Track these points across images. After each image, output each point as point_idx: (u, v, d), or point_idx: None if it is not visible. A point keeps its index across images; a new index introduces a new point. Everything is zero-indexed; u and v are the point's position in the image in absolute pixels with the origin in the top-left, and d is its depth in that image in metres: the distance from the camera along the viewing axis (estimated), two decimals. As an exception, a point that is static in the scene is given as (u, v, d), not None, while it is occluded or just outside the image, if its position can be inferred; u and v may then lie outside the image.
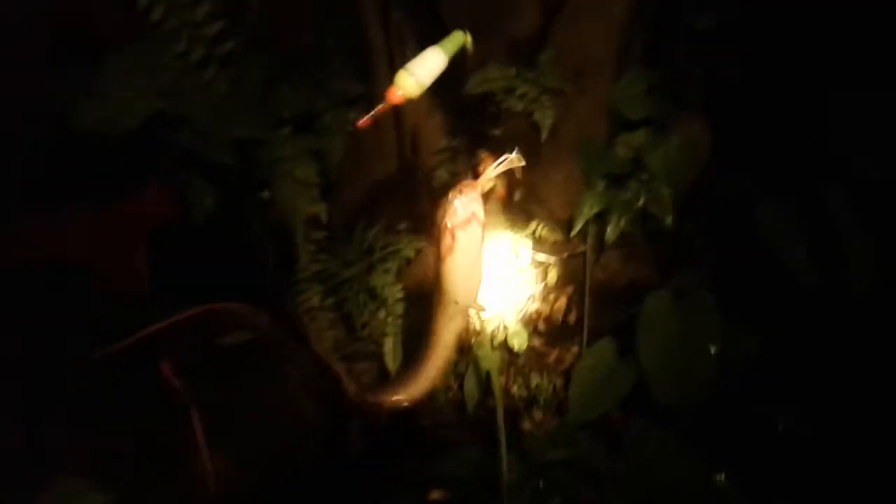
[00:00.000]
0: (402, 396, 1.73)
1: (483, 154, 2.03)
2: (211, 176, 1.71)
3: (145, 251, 1.86)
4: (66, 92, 1.71)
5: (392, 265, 2.04)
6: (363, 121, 1.41)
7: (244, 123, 1.61)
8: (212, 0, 1.75)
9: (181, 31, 1.73)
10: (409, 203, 2.07)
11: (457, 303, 1.56)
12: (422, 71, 1.35)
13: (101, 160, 1.79)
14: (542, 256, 2.10)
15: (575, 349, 2.21)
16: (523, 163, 1.51)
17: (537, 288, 2.15)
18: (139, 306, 1.80)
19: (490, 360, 2.00)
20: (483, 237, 1.52)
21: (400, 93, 1.36)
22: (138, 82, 1.71)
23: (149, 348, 1.62)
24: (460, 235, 1.46)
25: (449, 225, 1.46)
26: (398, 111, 1.83)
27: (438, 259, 1.52)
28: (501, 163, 1.50)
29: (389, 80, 1.78)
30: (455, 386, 2.19)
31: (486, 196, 2.06)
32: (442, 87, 1.97)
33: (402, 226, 2.09)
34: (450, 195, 1.47)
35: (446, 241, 1.47)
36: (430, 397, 2.17)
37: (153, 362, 1.60)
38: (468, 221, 1.47)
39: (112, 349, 1.61)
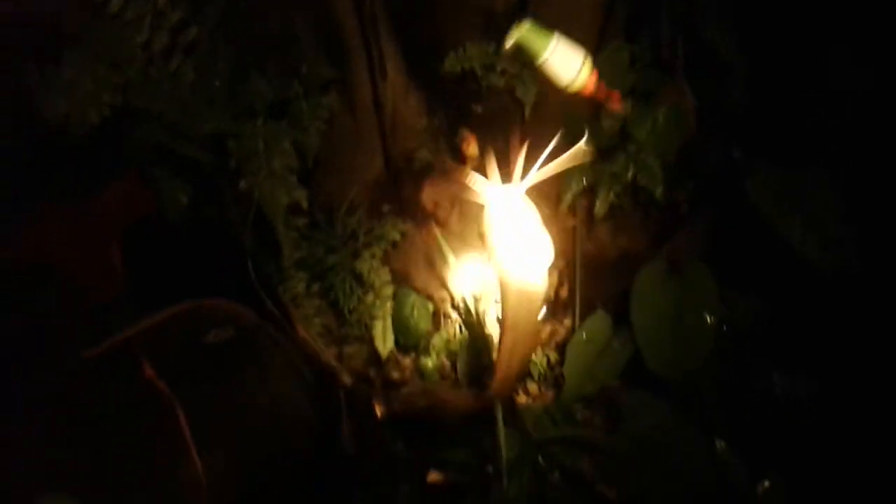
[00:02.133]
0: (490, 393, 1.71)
1: (465, 132, 1.97)
2: (184, 170, 1.64)
3: (120, 250, 1.80)
4: (32, 89, 1.64)
5: (377, 249, 2.00)
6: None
7: (212, 117, 1.54)
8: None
9: (143, 18, 1.66)
10: (391, 186, 2.02)
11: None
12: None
13: (68, 158, 1.72)
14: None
15: (568, 323, 2.20)
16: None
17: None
18: (116, 307, 1.75)
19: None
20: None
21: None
22: (102, 74, 1.64)
23: (129, 350, 1.58)
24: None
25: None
26: (375, 93, 1.77)
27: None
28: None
29: (365, 62, 1.74)
30: (448, 366, 2.17)
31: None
32: (419, 65, 1.92)
33: (386, 209, 2.05)
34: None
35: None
36: (423, 378, 2.17)
37: (135, 365, 1.56)
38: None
39: (91, 353, 1.56)
